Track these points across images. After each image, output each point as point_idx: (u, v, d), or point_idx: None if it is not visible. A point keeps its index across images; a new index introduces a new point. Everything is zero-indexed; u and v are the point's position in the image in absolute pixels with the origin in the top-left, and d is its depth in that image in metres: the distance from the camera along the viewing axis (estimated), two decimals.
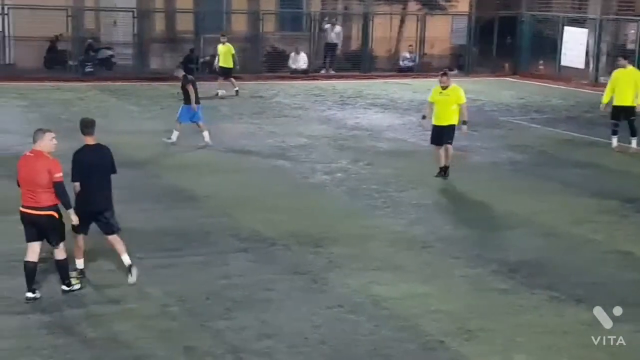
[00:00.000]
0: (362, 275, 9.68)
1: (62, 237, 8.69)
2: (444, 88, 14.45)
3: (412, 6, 33.10)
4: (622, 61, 17.56)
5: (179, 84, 17.35)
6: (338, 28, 31.29)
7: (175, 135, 16.98)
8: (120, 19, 29.73)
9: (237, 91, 24.41)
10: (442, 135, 14.37)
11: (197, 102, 16.93)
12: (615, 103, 17.06)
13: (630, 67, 17.45)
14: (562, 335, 8.02)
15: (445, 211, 12.72)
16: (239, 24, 31.17)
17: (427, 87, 27.38)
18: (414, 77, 30.09)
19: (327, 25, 31.23)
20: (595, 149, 17.14)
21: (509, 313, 8.68)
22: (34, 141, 8.64)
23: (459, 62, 32.85)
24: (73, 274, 9.01)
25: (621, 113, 17.01)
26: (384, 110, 22.60)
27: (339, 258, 10.24)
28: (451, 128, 14.39)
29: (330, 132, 19.05)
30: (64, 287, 8.76)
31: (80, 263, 9.19)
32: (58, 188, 8.45)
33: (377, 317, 8.43)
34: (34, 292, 8.56)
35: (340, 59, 31.88)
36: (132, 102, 22.90)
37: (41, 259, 8.82)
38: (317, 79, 29.39)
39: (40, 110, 20.72)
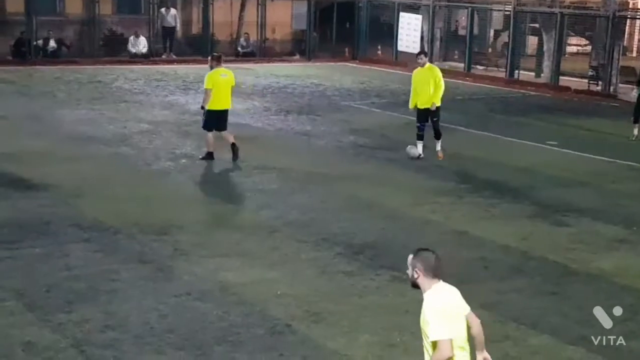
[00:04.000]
0: (209, 262, 9.62)
1: None
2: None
3: None
4: (422, 59, 15.40)
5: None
6: (173, 11, 30.71)
7: None
8: None
9: None
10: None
11: None
12: (419, 105, 15.47)
13: (428, 65, 15.44)
14: (404, 314, 8.20)
15: (291, 196, 12.82)
16: (74, 6, 30.11)
17: (270, 72, 27.78)
18: (256, 62, 30.15)
19: (163, 9, 30.67)
20: (432, 133, 17.70)
21: (354, 294, 8.86)
22: None
23: (301, 47, 33.17)
24: None
25: (425, 114, 15.54)
26: None
27: (185, 246, 10.14)
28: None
29: (173, 118, 18.79)
30: None
31: None
32: None
33: (225, 304, 8.41)
34: None
35: (181, 43, 31.45)
36: None
37: None
38: (158, 64, 28.87)
39: None
